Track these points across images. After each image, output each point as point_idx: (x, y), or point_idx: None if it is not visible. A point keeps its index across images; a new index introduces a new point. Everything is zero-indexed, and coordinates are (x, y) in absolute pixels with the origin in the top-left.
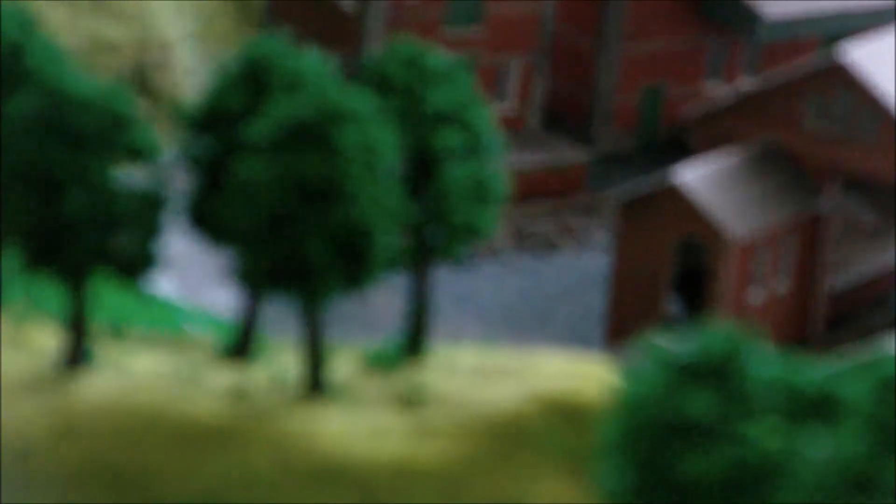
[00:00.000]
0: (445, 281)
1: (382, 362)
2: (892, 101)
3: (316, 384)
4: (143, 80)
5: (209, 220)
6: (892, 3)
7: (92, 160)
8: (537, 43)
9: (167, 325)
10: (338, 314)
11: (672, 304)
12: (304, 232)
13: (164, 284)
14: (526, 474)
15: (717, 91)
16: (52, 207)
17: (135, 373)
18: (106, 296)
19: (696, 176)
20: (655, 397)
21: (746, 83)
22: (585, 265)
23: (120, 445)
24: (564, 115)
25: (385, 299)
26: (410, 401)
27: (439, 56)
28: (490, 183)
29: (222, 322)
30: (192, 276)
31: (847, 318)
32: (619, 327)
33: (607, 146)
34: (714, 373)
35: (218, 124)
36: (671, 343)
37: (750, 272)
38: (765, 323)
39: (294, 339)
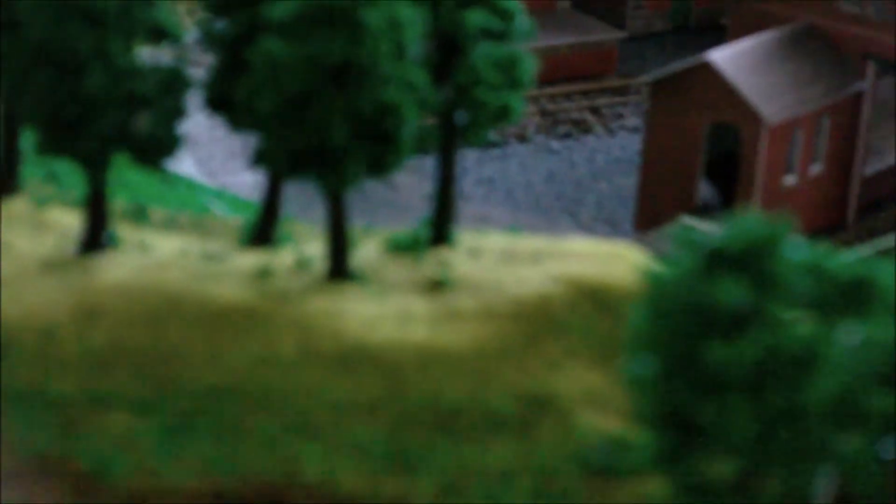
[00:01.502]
0: (473, 165)
1: (408, 247)
2: None
3: (341, 269)
4: None
5: (230, 103)
6: None
7: (113, 39)
8: None
9: (191, 206)
10: (363, 198)
11: (704, 189)
12: (327, 114)
13: (187, 166)
14: (554, 359)
15: None
16: (71, 88)
17: (159, 254)
18: (129, 177)
19: (729, 57)
20: (685, 282)
21: None
22: (616, 148)
23: (143, 327)
24: None
25: (411, 183)
26: (437, 285)
27: None
28: (518, 65)
29: (246, 204)
30: (215, 157)
31: (881, 203)
32: (650, 212)
33: (639, 27)
34: (746, 258)
35: (240, 3)
36: (703, 228)
37: (783, 156)
38: (798, 208)
39: (319, 224)
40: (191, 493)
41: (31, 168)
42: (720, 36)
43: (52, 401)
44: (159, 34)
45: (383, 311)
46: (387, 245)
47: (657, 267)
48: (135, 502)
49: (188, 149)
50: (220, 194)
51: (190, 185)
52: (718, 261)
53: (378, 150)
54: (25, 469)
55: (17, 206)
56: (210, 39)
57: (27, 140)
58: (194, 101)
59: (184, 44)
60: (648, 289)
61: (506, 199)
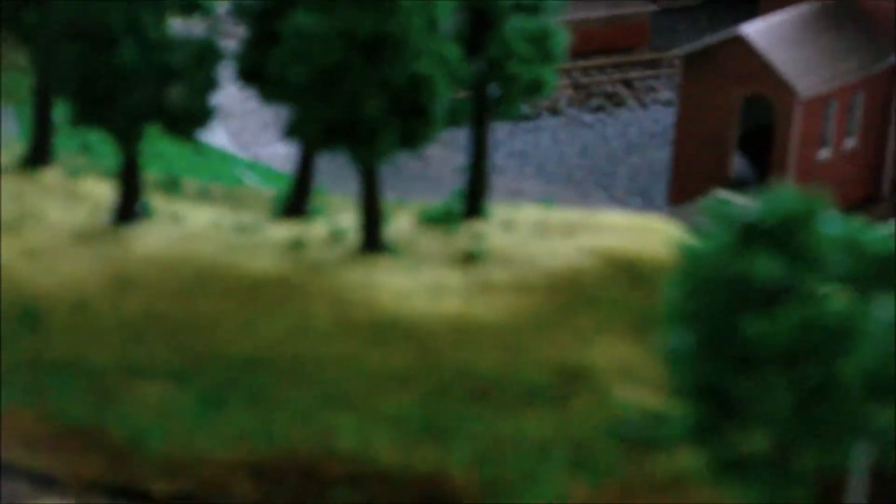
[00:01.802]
0: (505, 138)
1: (441, 219)
2: None
3: (374, 241)
4: None
5: (263, 75)
6: None
7: (145, 12)
8: None
9: (223, 178)
10: (395, 171)
11: (738, 163)
12: (360, 86)
13: (219, 138)
14: (586, 332)
15: None
16: (104, 60)
17: (192, 225)
18: (162, 148)
19: (763, 30)
20: (720, 257)
21: None
22: (649, 121)
23: (177, 298)
24: None
25: (443, 156)
26: (469, 257)
27: None
28: (551, 38)
29: (279, 175)
30: (247, 129)
31: None
32: (683, 186)
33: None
34: (781, 233)
35: None
36: (737, 202)
37: (818, 130)
38: (832, 182)
39: (351, 196)
40: (226, 464)
41: (64, 139)
42: (753, 9)
43: (87, 370)
44: (191, 6)
45: (416, 283)
46: (419, 217)
47: (691, 241)
48: (170, 472)
49: (221, 120)
50: (252, 166)
51: (222, 156)
52: (753, 235)
53: (410, 123)
54: (61, 438)
55: (51, 176)
56: (242, 11)
57: (60, 112)
58: (226, 73)
59: (216, 16)
60: (683, 263)
61: (538, 173)
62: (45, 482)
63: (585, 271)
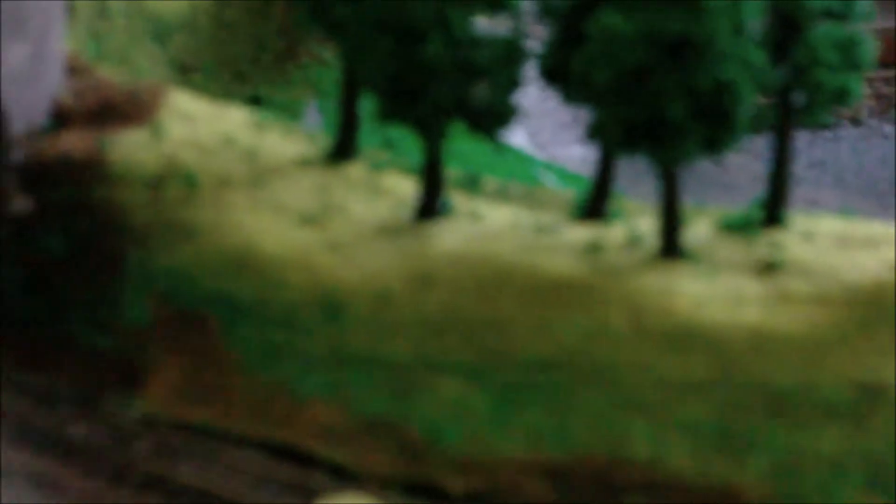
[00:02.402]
0: (804, 147)
1: (740, 227)
2: None
3: (671, 246)
4: None
5: (565, 75)
6: None
7: (452, 8)
8: None
9: (520, 177)
10: (694, 176)
11: None
12: (664, 89)
13: (518, 137)
14: (887, 348)
15: None
16: (410, 56)
17: (491, 224)
18: (460, 146)
19: None
20: None
21: None
22: None
23: (474, 296)
24: None
25: (742, 163)
26: (769, 267)
27: None
28: (858, 47)
29: (575, 177)
30: (545, 129)
31: None
32: None
33: None
34: None
35: None
36: None
37: None
38: None
39: (650, 201)
40: (520, 465)
41: (368, 135)
42: None
43: (385, 364)
44: (497, 4)
45: (714, 290)
46: (719, 224)
47: None
48: (465, 470)
49: (520, 120)
50: (549, 166)
51: (519, 156)
52: None
53: (714, 127)
54: (359, 432)
55: (355, 171)
56: (547, 11)
57: (364, 107)
58: (527, 73)
59: (521, 15)
60: None
61: (836, 183)
62: (345, 475)
63: (888, 286)
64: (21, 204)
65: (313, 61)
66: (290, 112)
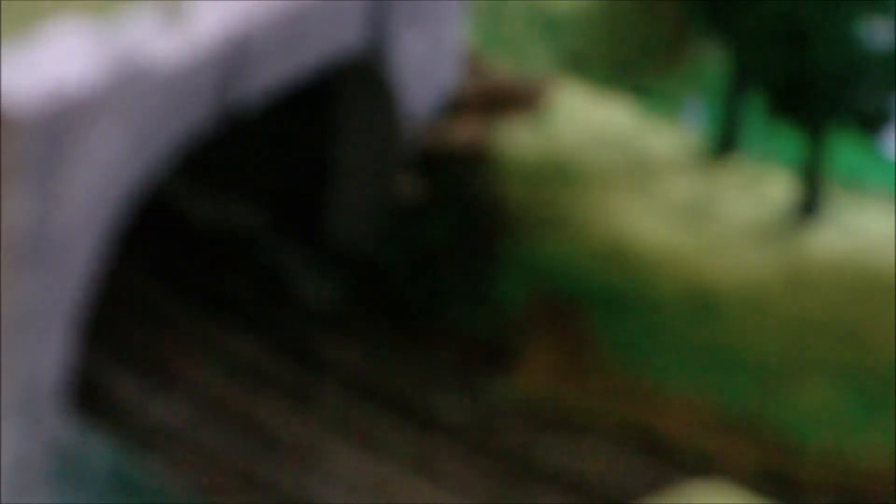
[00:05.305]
0: None
1: None
2: None
3: None
4: None
5: None
6: None
7: (838, 12)
8: None
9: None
10: None
11: None
12: None
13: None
14: None
15: None
16: (798, 59)
17: (867, 232)
18: (841, 150)
19: None
20: None
21: None
22: None
23: (850, 301)
24: None
25: None
26: None
27: None
28: None
29: None
30: None
31: None
32: None
33: None
34: None
35: None
36: None
37: None
38: None
39: None
40: (882, 470)
41: (752, 134)
42: None
43: (755, 363)
44: (881, 6)
45: None
46: None
47: None
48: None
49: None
50: None
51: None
52: None
53: None
54: (723, 425)
55: (735, 168)
56: None
57: (753, 107)
58: None
59: None
60: None
61: None
62: (706, 466)
63: None
64: (414, 191)
65: (700, 57)
66: (671, 105)
